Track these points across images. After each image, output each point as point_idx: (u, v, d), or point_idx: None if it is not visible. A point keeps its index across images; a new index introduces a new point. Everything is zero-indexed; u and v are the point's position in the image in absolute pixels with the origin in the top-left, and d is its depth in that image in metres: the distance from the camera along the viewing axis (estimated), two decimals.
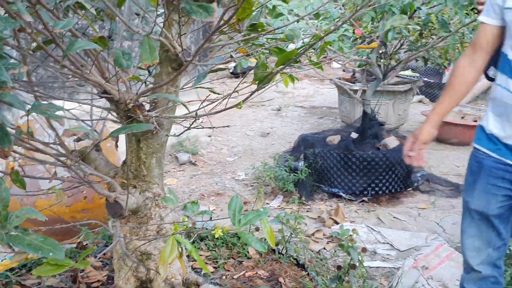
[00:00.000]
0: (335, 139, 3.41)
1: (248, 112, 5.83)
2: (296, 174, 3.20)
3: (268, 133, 5.00)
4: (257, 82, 1.46)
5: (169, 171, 3.96)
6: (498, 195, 1.50)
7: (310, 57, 1.81)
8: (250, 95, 1.29)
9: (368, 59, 3.20)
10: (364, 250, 1.73)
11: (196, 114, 1.18)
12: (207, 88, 1.66)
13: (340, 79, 5.04)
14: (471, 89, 1.58)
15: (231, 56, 1.75)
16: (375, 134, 3.35)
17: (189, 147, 4.23)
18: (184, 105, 1.10)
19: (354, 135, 3.40)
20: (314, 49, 1.57)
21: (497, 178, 1.50)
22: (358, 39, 3.56)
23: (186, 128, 1.24)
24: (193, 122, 1.16)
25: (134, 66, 1.33)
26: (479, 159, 1.56)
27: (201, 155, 4.25)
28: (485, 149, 1.55)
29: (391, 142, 3.28)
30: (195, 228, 1.30)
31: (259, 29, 1.56)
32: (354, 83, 4.73)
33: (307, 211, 3.09)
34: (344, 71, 5.68)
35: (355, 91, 4.53)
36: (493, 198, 1.51)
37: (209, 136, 4.75)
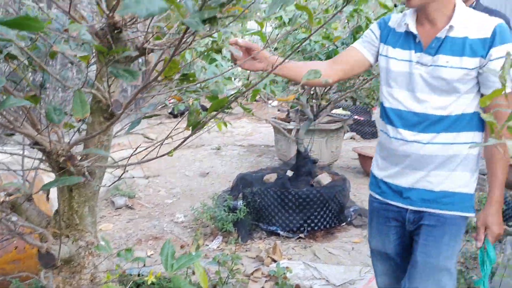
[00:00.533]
0: (272, 177, 3.51)
1: (187, 152, 5.85)
2: (235, 214, 3.25)
3: (208, 173, 5.03)
4: (190, 128, 1.52)
5: (105, 216, 3.86)
6: (389, 234, 1.63)
7: (241, 103, 1.91)
8: (184, 141, 1.35)
9: (299, 101, 3.38)
10: (297, 287, 1.79)
11: (127, 163, 1.21)
12: (141, 134, 1.70)
13: (275, 118, 5.23)
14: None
15: (165, 104, 1.81)
16: (309, 172, 3.49)
17: (126, 191, 4.16)
18: (112, 158, 1.13)
19: (289, 173, 3.52)
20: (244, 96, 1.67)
21: (384, 219, 1.63)
22: (290, 82, 3.76)
23: (117, 179, 1.27)
24: (122, 173, 1.19)
25: (67, 114, 1.35)
26: (371, 202, 1.70)
27: (138, 198, 4.19)
28: (373, 192, 1.68)
29: (324, 178, 3.43)
30: (130, 275, 1.31)
31: (191, 79, 1.64)
32: (289, 122, 4.93)
33: (246, 250, 3.13)
34: (279, 110, 5.90)
35: (290, 130, 4.71)
36: (386, 238, 1.64)
37: (147, 178, 4.70)
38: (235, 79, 4.20)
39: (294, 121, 4.88)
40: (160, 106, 1.68)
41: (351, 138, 6.52)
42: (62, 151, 1.26)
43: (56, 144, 1.29)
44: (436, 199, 1.52)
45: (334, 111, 6.71)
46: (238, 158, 5.67)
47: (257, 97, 4.64)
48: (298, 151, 3.53)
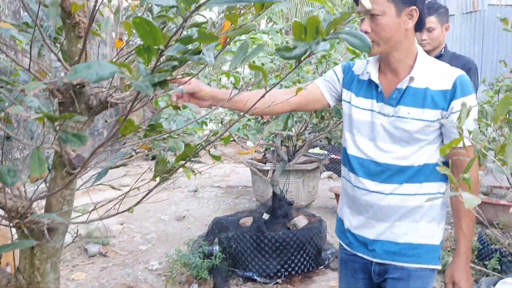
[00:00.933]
0: (248, 221, 3.47)
1: (163, 195, 5.76)
2: (210, 260, 3.18)
3: (184, 217, 4.95)
4: (157, 178, 1.50)
5: (78, 265, 3.72)
6: (356, 286, 1.60)
7: (209, 150, 1.90)
8: (147, 194, 1.32)
9: (273, 143, 3.39)
10: None
11: (87, 219, 1.18)
12: (107, 184, 1.67)
13: (252, 159, 5.23)
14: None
15: (131, 156, 1.79)
16: (285, 214, 3.47)
17: (99, 237, 4.05)
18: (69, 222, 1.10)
19: (265, 216, 3.49)
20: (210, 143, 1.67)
21: (352, 271, 1.60)
22: (266, 123, 3.80)
23: (74, 237, 1.23)
24: (75, 232, 1.15)
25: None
26: (340, 251, 1.66)
27: (112, 245, 4.07)
28: (341, 241, 1.65)
29: (301, 221, 3.41)
30: None
31: (158, 129, 1.64)
32: (265, 163, 4.93)
33: None
34: (256, 151, 5.91)
35: (267, 171, 4.71)
36: None
37: (121, 224, 4.59)
38: (211, 120, 4.22)
39: (270, 162, 4.89)
40: (127, 157, 1.66)
41: (328, 177, 6.55)
42: (22, 208, 1.22)
43: (16, 201, 1.25)
44: (400, 251, 1.47)
45: (311, 150, 6.77)
46: (215, 200, 5.61)
47: (236, 137, 4.66)
48: (274, 193, 3.52)
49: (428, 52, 2.70)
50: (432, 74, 1.42)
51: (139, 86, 0.69)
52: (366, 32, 1.37)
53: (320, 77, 1.66)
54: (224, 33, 1.06)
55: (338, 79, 1.61)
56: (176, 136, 1.69)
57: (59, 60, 1.17)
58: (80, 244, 3.97)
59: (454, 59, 2.71)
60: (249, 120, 2.98)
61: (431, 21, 2.62)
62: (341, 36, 0.77)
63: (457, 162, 1.41)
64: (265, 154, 5.08)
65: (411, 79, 1.42)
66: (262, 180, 4.84)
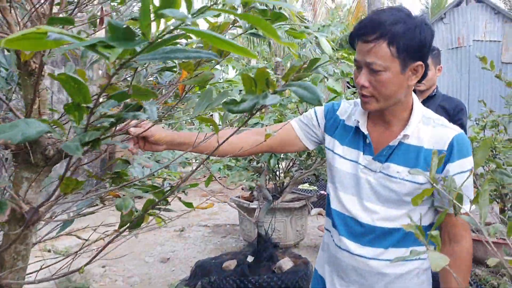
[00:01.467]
0: (231, 264, 3.36)
1: (149, 235, 5.62)
2: None
3: (169, 258, 4.80)
4: (120, 229, 1.42)
5: None
6: None
7: (180, 197, 1.83)
8: (102, 248, 1.25)
9: (257, 183, 3.32)
10: None
11: (50, 277, 1.09)
12: (74, 235, 1.59)
13: (239, 197, 5.13)
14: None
15: (97, 204, 1.71)
16: (270, 256, 3.36)
17: (80, 282, 3.89)
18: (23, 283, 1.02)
19: (250, 258, 3.38)
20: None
21: None
22: (252, 160, 3.74)
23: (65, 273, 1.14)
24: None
25: None
26: None
27: None
28: None
29: (286, 263, 3.30)
30: None
31: (123, 176, 1.57)
32: (252, 201, 4.84)
33: None
34: (243, 189, 5.82)
35: (253, 210, 4.61)
36: None
37: (103, 267, 4.44)
38: (196, 160, 4.15)
39: (258, 200, 4.81)
40: (89, 205, 1.58)
41: (318, 214, 6.44)
42: None
43: None
44: None
45: (300, 186, 6.69)
46: (202, 240, 5.47)
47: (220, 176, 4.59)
48: (259, 235, 3.42)
49: (422, 92, 2.70)
50: (427, 130, 1.26)
51: (67, 146, 0.63)
52: (363, 86, 1.20)
53: (297, 117, 1.49)
54: (181, 82, 1.01)
55: (319, 124, 1.44)
56: (138, 184, 1.62)
57: (10, 110, 1.11)
58: None
59: (446, 100, 2.70)
60: (230, 160, 2.92)
61: None
62: (291, 89, 0.73)
63: (449, 229, 1.27)
64: (252, 192, 4.99)
65: (405, 136, 1.26)
66: (249, 219, 4.75)
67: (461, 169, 1.20)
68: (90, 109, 0.63)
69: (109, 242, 1.21)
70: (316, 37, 1.29)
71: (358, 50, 1.20)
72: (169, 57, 0.52)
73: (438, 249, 0.88)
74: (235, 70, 4.96)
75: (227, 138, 0.92)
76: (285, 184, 4.53)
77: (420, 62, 1.19)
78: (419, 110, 1.29)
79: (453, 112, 2.62)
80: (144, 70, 1.32)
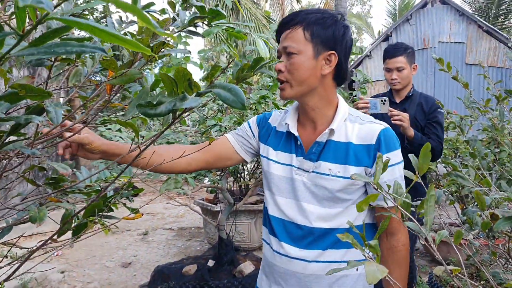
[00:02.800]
0: (191, 269, 3.28)
1: (111, 239, 5.47)
2: None
3: (130, 263, 4.67)
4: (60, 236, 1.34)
5: None
6: None
7: (125, 204, 1.75)
8: (18, 266, 1.16)
9: (218, 185, 3.26)
10: None
11: None
12: (10, 244, 1.49)
13: (203, 200, 5.05)
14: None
15: (41, 204, 1.61)
16: (231, 260, 3.30)
17: None
18: None
19: (210, 262, 3.31)
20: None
21: None
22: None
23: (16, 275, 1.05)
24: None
25: None
26: None
27: None
28: None
29: (247, 267, 3.25)
30: None
31: (60, 183, 1.48)
32: (216, 204, 4.76)
33: None
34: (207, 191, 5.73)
35: (218, 212, 4.54)
36: None
37: (62, 273, 4.28)
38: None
39: (222, 203, 4.73)
40: (26, 214, 1.49)
41: None
42: None
43: None
44: None
45: None
46: (165, 243, 5.36)
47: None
48: (220, 238, 3.36)
49: (398, 91, 2.71)
50: (354, 127, 1.29)
51: None
52: (279, 71, 1.26)
53: (232, 131, 1.50)
54: (107, 81, 0.94)
55: (253, 134, 1.46)
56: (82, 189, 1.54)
57: None
58: None
59: (423, 98, 2.70)
60: None
61: (401, 61, 2.62)
62: (214, 91, 0.67)
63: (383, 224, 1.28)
64: (217, 194, 4.92)
65: (331, 131, 1.28)
66: (213, 221, 4.67)
67: (390, 163, 1.23)
68: None
69: (31, 253, 1.12)
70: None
71: (280, 40, 1.28)
72: (48, 51, 0.45)
73: (378, 260, 0.84)
74: (202, 70, 4.86)
75: (147, 147, 0.86)
76: (249, 186, 4.48)
77: (332, 51, 1.25)
78: (344, 108, 1.32)
79: (429, 110, 2.63)
80: (85, 68, 1.24)
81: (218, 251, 3.34)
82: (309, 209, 1.29)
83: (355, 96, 4.27)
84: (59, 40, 0.51)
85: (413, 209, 0.96)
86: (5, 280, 1.02)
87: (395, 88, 2.69)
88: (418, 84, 11.32)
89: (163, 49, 0.93)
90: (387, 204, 0.89)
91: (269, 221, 1.37)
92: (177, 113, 0.71)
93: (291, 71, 1.24)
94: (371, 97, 2.46)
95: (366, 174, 1.25)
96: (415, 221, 0.96)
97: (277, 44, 1.32)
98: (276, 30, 1.32)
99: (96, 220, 1.40)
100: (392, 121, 2.35)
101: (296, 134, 1.33)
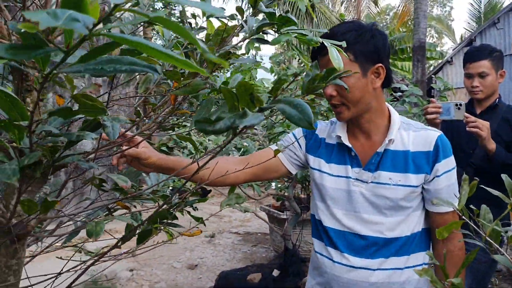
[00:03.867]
0: (256, 277, 3.24)
1: (179, 240, 5.58)
2: None
3: (196, 265, 4.73)
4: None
5: None
6: None
7: (189, 212, 1.73)
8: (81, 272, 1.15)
9: (284, 194, 3.19)
10: None
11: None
12: (74, 245, 1.52)
13: (270, 206, 5.00)
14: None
15: (108, 209, 1.64)
16: (297, 272, 3.21)
17: (106, 285, 3.88)
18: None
19: (276, 272, 3.25)
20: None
21: None
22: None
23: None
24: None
25: None
26: None
27: None
28: None
29: None
30: None
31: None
32: (283, 211, 4.69)
33: None
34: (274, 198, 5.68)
35: (284, 220, 4.47)
36: None
37: (131, 271, 4.42)
38: None
39: (289, 210, 4.66)
40: (103, 214, 1.51)
41: None
42: None
43: None
44: None
45: None
46: (231, 247, 5.38)
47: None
48: (286, 248, 3.28)
49: (481, 101, 2.27)
50: (409, 135, 1.30)
51: (2, 171, 0.53)
52: (331, 96, 1.24)
53: (278, 142, 1.50)
54: (171, 92, 0.90)
55: (300, 145, 1.44)
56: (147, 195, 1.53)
57: None
58: None
59: (510, 110, 2.25)
60: None
61: (484, 65, 2.20)
62: (277, 107, 0.60)
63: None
64: (283, 202, 4.85)
65: (390, 141, 1.28)
66: (280, 229, 4.60)
67: (447, 168, 1.26)
68: (28, 127, 0.53)
69: (96, 259, 1.12)
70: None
71: (320, 65, 1.24)
72: (96, 69, 0.41)
73: (443, 269, 0.82)
74: (273, 74, 4.79)
75: (205, 164, 0.84)
76: None
77: (379, 64, 1.24)
78: (397, 117, 1.33)
79: None
80: (155, 74, 1.23)
81: (284, 261, 3.27)
82: (371, 220, 1.29)
83: None
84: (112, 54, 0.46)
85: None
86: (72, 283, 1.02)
87: (476, 98, 2.25)
88: (504, 93, 10.51)
89: (229, 59, 0.88)
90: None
91: (326, 232, 1.36)
92: (237, 130, 0.65)
93: (344, 94, 1.23)
94: (444, 101, 2.11)
95: (425, 181, 1.27)
96: (506, 254, 0.84)
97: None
98: (311, 57, 1.32)
99: (162, 228, 1.39)
100: (468, 129, 1.95)
101: (350, 145, 1.32)
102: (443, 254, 1.30)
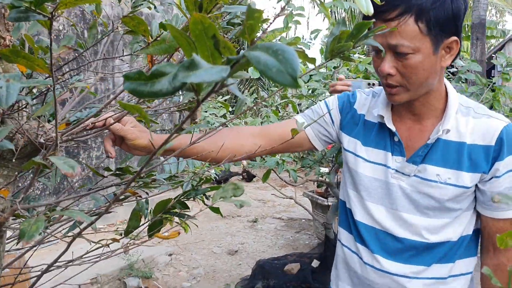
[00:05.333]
0: (294, 268, 3.04)
1: (221, 224, 5.48)
2: None
3: (237, 251, 4.60)
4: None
5: None
6: None
7: (203, 200, 1.54)
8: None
9: (325, 179, 2.95)
10: None
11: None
12: (79, 236, 1.38)
13: (313, 192, 4.77)
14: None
15: (118, 198, 1.48)
16: None
17: (143, 270, 3.82)
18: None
19: (315, 263, 3.03)
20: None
21: None
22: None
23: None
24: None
25: None
26: None
27: (155, 279, 3.83)
28: None
29: None
30: None
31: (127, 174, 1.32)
32: (326, 198, 4.45)
33: None
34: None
35: (327, 207, 4.23)
36: None
37: (170, 255, 4.35)
38: None
39: (333, 197, 4.40)
40: (112, 201, 1.35)
41: None
42: None
43: None
44: None
45: None
46: (274, 233, 5.21)
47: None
48: (327, 238, 3.06)
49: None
50: (468, 122, 1.03)
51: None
52: (388, 75, 0.98)
53: (303, 112, 1.26)
54: (141, 51, 0.70)
55: (333, 120, 1.21)
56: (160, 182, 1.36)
57: None
58: (121, 275, 3.77)
59: None
60: (286, 155, 2.58)
61: None
62: (249, 56, 0.38)
63: (493, 236, 1.05)
64: (327, 188, 4.59)
65: (444, 131, 1.02)
66: (323, 216, 4.36)
67: (511, 167, 0.98)
68: None
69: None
70: None
71: (379, 36, 0.96)
72: None
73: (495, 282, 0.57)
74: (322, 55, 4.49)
75: (200, 138, 0.64)
76: None
77: (455, 38, 0.96)
78: (455, 98, 1.05)
79: None
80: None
81: (324, 252, 3.05)
82: (411, 220, 1.07)
83: (495, 83, 3.59)
84: None
85: None
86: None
87: None
88: None
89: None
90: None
91: (356, 227, 1.15)
92: (201, 93, 0.44)
93: (407, 75, 0.97)
94: (355, 78, 1.90)
95: (480, 180, 1.02)
96: None
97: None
98: (364, 16, 0.99)
99: (174, 218, 1.22)
100: None
101: (394, 129, 1.08)
102: (492, 268, 1.06)
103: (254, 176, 8.66)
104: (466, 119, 1.03)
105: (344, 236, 1.20)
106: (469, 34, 11.54)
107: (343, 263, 1.22)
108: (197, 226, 1.30)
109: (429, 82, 0.99)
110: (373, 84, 1.83)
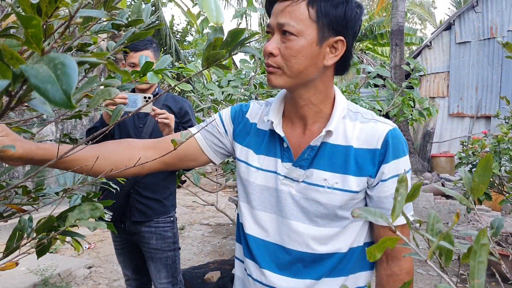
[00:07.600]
0: (214, 276, 3.00)
1: None
2: None
3: None
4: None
5: None
6: None
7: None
8: None
9: None
10: None
11: None
12: None
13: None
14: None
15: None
16: None
17: (59, 285, 3.61)
18: None
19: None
20: None
21: None
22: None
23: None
24: None
25: None
26: None
27: None
28: None
29: None
30: None
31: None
32: None
33: None
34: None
35: None
36: None
37: (89, 268, 4.14)
38: None
39: None
40: None
41: None
42: None
43: None
44: None
45: None
46: (201, 240, 5.14)
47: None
48: None
49: (144, 92, 2.24)
50: (355, 126, 1.04)
51: None
52: (270, 54, 0.98)
53: (201, 123, 1.22)
54: None
55: (226, 131, 1.17)
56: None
57: None
58: None
59: (170, 100, 2.29)
60: None
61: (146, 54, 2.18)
62: (24, 70, 0.33)
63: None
64: None
65: (328, 133, 1.02)
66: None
67: (397, 171, 1.00)
68: None
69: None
70: None
71: (273, 12, 0.99)
72: None
73: None
74: (252, 60, 4.47)
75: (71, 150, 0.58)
76: None
77: (341, 37, 0.98)
78: (343, 103, 1.07)
79: (180, 113, 2.26)
80: None
81: None
82: (299, 229, 1.04)
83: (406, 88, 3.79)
84: None
85: None
86: None
87: (139, 88, 2.23)
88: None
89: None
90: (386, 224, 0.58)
91: (246, 240, 1.11)
92: None
93: (287, 57, 0.97)
94: (131, 92, 2.02)
95: (368, 185, 1.03)
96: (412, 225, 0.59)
97: (267, 16, 0.99)
98: (266, 1, 1.01)
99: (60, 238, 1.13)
100: (159, 120, 1.92)
101: (282, 134, 1.06)
102: (385, 278, 1.07)
103: (185, 181, 8.52)
104: (354, 124, 1.04)
105: (238, 250, 1.17)
106: (389, 40, 12.16)
107: (238, 280, 1.19)
108: (89, 243, 1.22)
109: (307, 73, 0.99)
110: (149, 98, 1.89)
